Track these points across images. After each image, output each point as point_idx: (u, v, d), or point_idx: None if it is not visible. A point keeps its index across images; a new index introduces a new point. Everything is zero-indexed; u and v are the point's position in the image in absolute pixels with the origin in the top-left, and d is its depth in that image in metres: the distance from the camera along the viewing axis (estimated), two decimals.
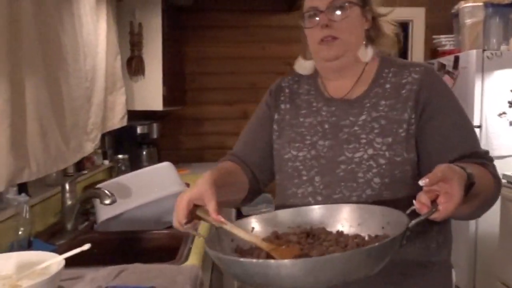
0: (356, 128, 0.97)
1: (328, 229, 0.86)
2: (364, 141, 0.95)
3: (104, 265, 1.19)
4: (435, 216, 0.71)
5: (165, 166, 1.78)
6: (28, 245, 1.36)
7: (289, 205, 0.98)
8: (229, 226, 0.81)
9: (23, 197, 1.39)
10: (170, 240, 1.56)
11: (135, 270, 1.17)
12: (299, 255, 0.76)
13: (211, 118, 3.42)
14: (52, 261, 1.02)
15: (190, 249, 1.38)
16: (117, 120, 2.41)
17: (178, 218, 0.82)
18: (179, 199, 0.82)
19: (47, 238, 1.53)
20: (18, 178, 1.30)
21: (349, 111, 1.00)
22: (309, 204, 0.96)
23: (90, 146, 2.01)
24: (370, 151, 0.94)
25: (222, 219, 0.80)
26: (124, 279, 1.11)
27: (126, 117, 2.46)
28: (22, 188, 1.48)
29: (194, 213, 0.83)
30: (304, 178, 0.99)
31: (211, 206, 0.79)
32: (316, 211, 0.90)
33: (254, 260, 0.70)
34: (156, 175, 1.73)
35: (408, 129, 0.94)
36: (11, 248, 1.31)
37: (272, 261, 0.68)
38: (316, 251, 0.77)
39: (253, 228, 0.88)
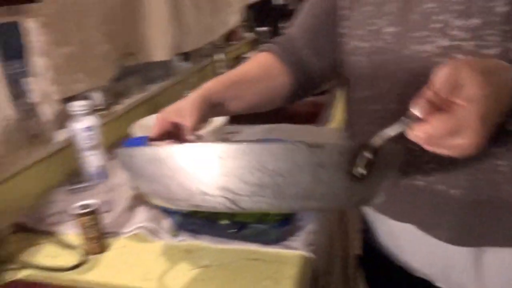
0: (429, 4, 0.63)
1: None
2: (437, 25, 0.62)
3: (257, 124, 1.36)
4: (414, 133, 0.44)
5: None
6: None
7: (348, 111, 0.79)
8: None
9: (187, 64, 1.60)
10: (311, 107, 1.67)
11: (284, 129, 1.32)
12: None
13: None
14: (217, 118, 1.21)
15: (330, 114, 1.48)
16: None
17: (150, 136, 0.67)
18: (157, 115, 0.69)
19: None
20: (180, 48, 1.48)
21: None
22: (366, 115, 0.73)
23: (234, 19, 2.13)
24: (444, 42, 0.61)
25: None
26: (274, 135, 1.28)
27: None
28: (185, 57, 1.69)
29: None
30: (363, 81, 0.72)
31: (186, 122, 0.64)
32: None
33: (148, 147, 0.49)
34: None
35: None
36: None
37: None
38: None
39: None
